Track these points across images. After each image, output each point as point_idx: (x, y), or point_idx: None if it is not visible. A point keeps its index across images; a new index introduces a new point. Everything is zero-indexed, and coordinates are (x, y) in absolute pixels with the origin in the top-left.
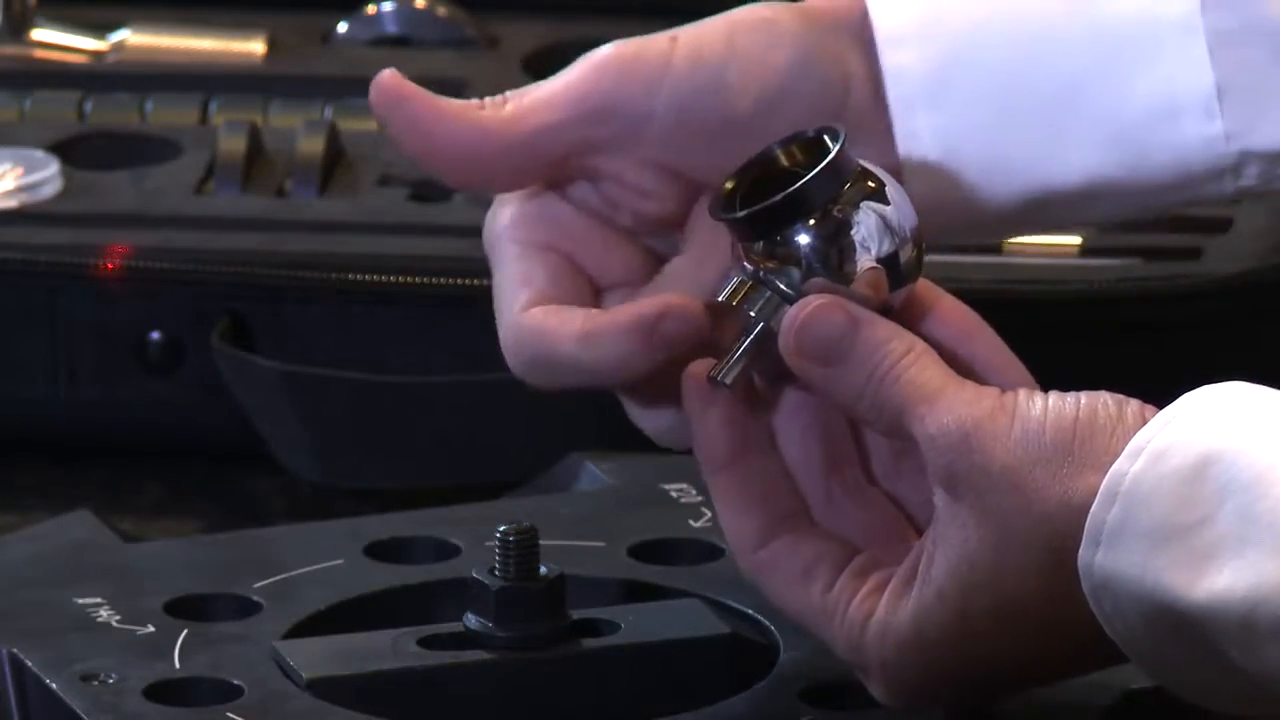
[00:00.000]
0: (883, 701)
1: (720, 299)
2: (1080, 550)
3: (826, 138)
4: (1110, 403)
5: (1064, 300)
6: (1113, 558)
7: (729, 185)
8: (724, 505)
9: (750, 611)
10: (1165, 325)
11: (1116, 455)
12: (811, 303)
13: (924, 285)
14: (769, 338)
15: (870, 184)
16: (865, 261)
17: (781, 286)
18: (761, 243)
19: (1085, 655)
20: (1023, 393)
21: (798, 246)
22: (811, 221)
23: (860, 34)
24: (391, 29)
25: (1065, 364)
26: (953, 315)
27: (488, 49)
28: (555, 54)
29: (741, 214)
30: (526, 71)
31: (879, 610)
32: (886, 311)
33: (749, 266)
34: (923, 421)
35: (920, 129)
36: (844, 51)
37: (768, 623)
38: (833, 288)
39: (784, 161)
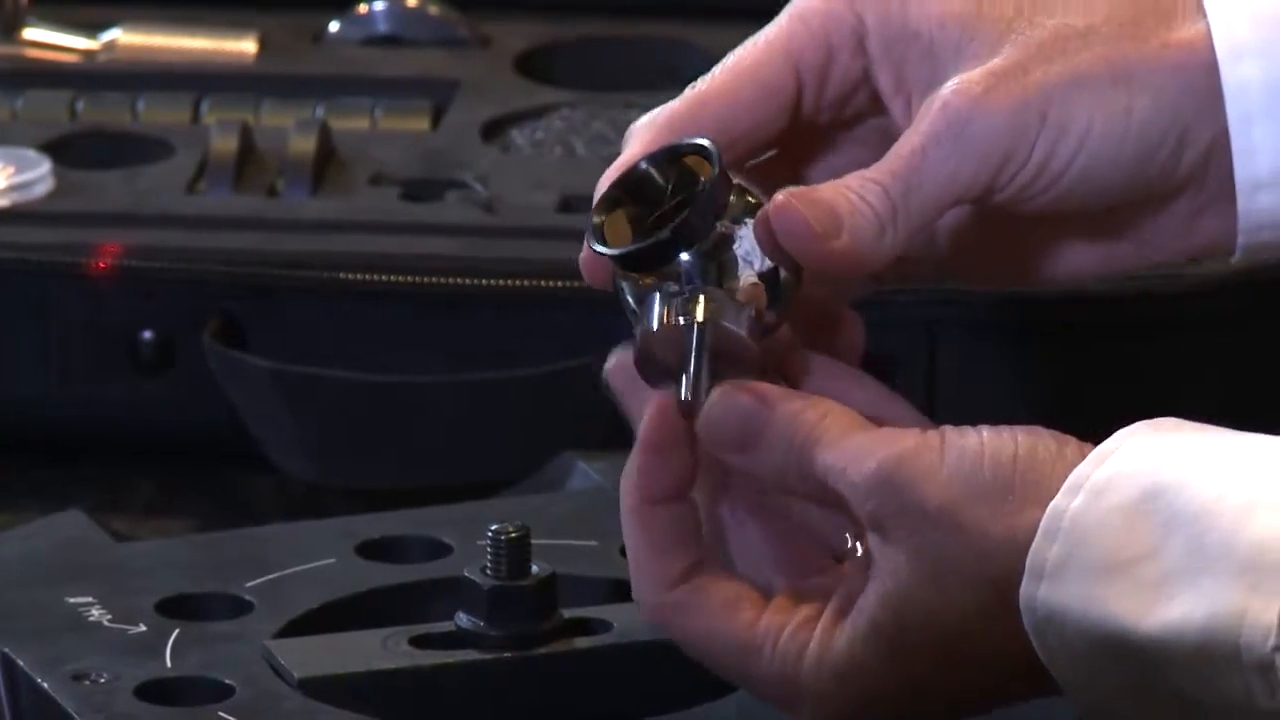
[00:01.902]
0: None
1: (653, 329)
2: (1022, 586)
3: (698, 155)
4: (1049, 439)
5: (1061, 300)
6: (1056, 591)
7: (596, 220)
8: (646, 543)
9: None
10: (1163, 325)
11: (1046, 482)
12: (716, 395)
13: (792, 346)
14: (716, 335)
15: (749, 199)
16: (747, 275)
17: (698, 288)
18: (666, 277)
19: (1025, 684)
20: (950, 429)
21: (680, 264)
22: (706, 253)
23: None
24: (383, 28)
25: (1062, 364)
26: (830, 369)
27: (480, 48)
28: (548, 53)
29: (628, 249)
30: (518, 71)
31: (813, 642)
32: (769, 331)
33: (644, 289)
34: (844, 474)
35: (1259, 143)
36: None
37: None
38: (721, 296)
39: (656, 179)
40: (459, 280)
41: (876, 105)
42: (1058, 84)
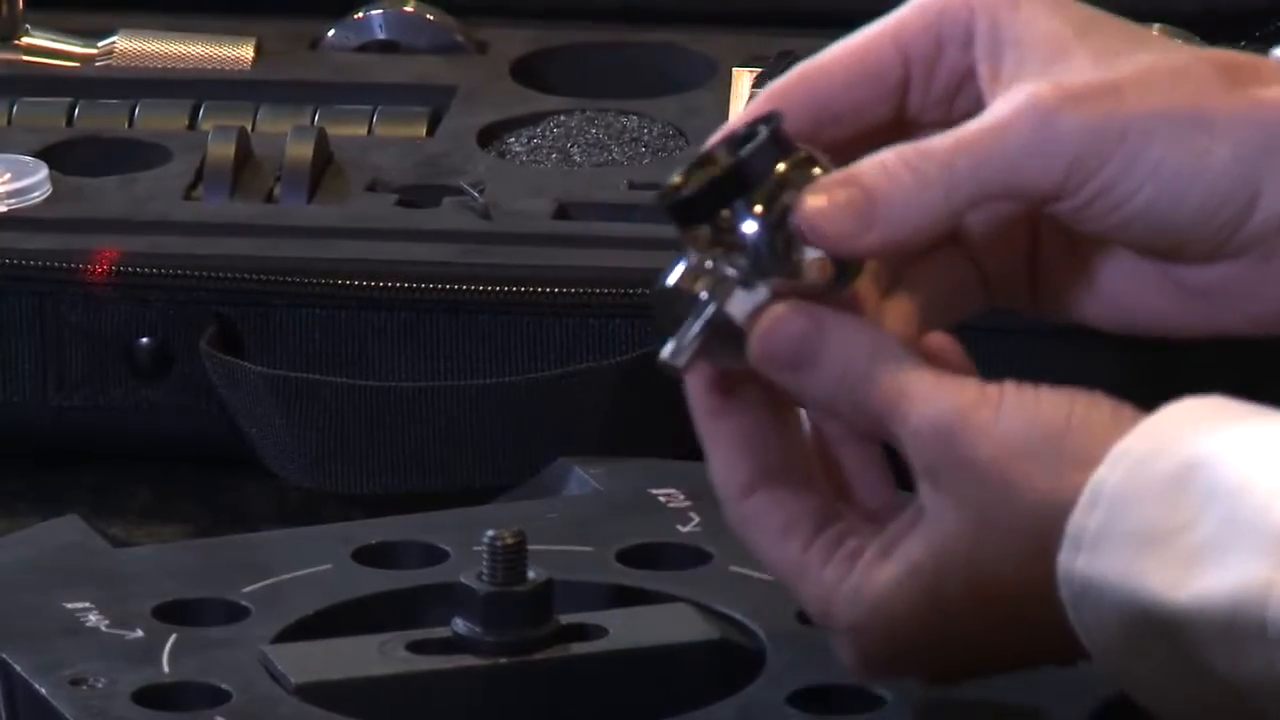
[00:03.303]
0: (849, 666)
1: (669, 283)
2: (1060, 555)
3: (761, 126)
4: (1106, 406)
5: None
6: (1095, 563)
7: (676, 180)
8: (715, 451)
9: (738, 616)
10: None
11: (1096, 450)
12: (775, 310)
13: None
14: (724, 320)
15: (816, 169)
16: (813, 250)
17: (729, 270)
18: (708, 231)
19: (1054, 648)
20: (1010, 384)
21: (742, 234)
22: (757, 208)
23: None
24: (380, 34)
25: (1054, 366)
26: (899, 310)
27: (476, 54)
28: (544, 60)
29: (681, 196)
30: (515, 77)
31: (853, 575)
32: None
33: (695, 253)
34: (905, 419)
35: None
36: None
37: (755, 628)
38: (780, 275)
39: (721, 161)
40: (455, 286)
41: (981, 108)
42: (1145, 113)
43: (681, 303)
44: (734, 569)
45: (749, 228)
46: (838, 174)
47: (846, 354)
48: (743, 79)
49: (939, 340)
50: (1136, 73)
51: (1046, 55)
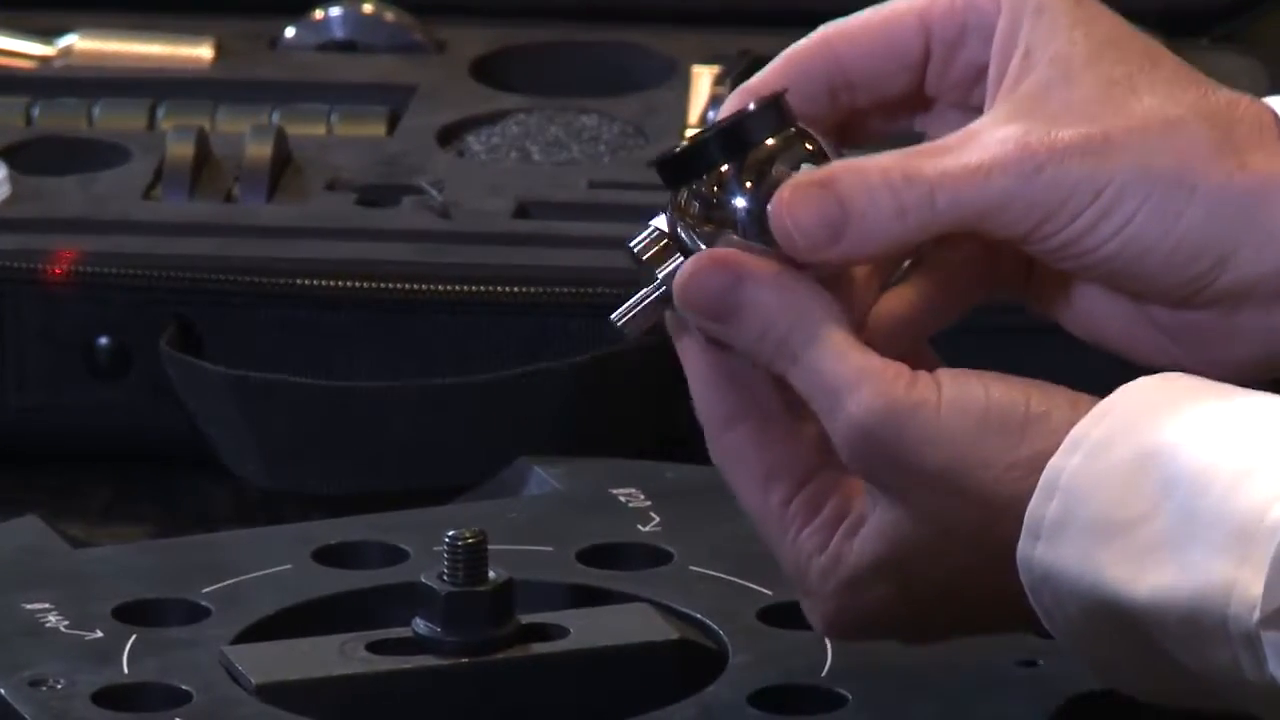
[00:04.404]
0: (817, 630)
1: (632, 246)
2: (1020, 543)
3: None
4: (1061, 394)
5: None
6: (1053, 552)
7: (677, 149)
8: (697, 378)
9: (699, 616)
10: None
11: (1056, 447)
12: (704, 257)
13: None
14: (668, 289)
15: (808, 146)
16: None
17: (691, 244)
18: (698, 205)
19: (1025, 615)
20: (946, 378)
21: (729, 204)
22: (747, 183)
23: None
24: (339, 34)
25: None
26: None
27: (436, 54)
28: (503, 59)
29: (674, 151)
30: (474, 76)
31: (825, 553)
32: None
33: (672, 220)
34: (831, 416)
35: None
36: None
37: (716, 627)
38: (747, 246)
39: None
40: (415, 286)
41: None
42: (1127, 171)
43: (640, 266)
44: (694, 569)
45: (739, 203)
46: (820, 172)
47: (764, 315)
48: (702, 77)
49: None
50: (1129, 125)
51: (1050, 76)
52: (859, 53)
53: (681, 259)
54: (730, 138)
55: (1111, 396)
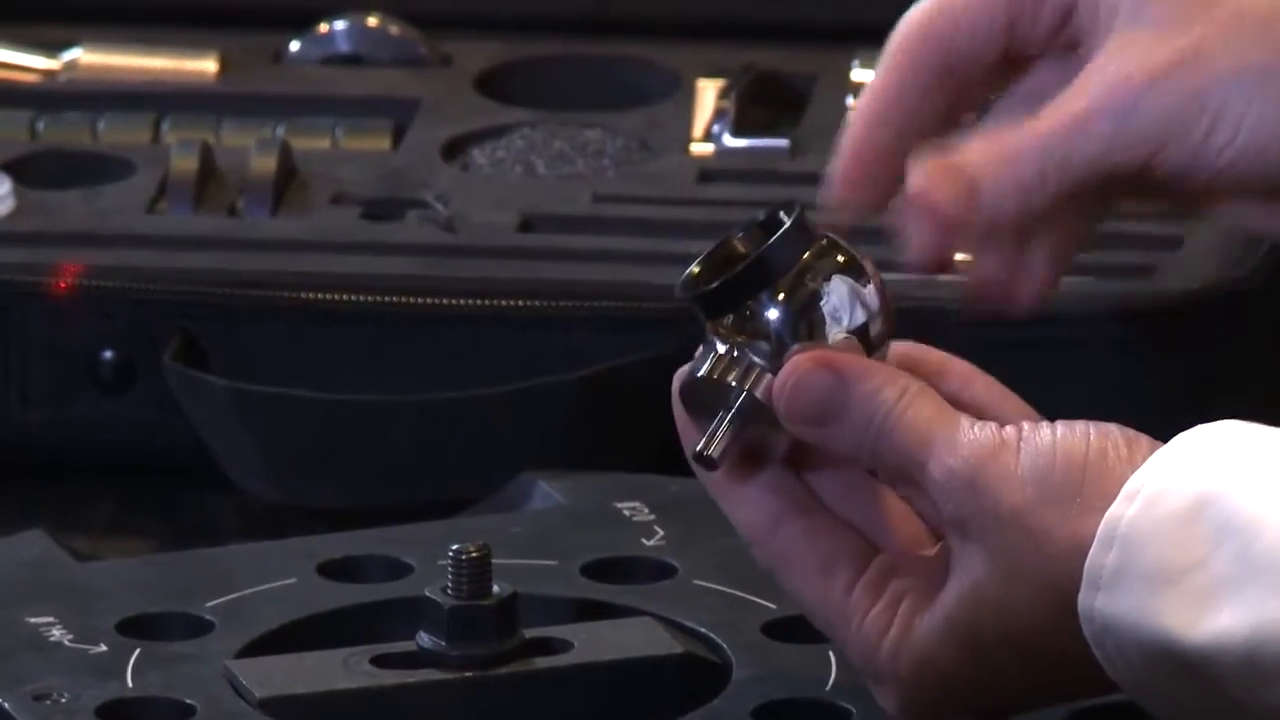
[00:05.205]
0: (890, 712)
1: (700, 374)
2: (1080, 594)
3: (783, 214)
4: (1120, 440)
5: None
6: (1112, 602)
7: (695, 270)
8: (727, 497)
9: (703, 630)
10: (1117, 342)
11: (1114, 490)
12: (800, 365)
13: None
14: (754, 407)
15: (839, 257)
16: (836, 333)
17: (755, 358)
18: (732, 318)
19: (1090, 679)
20: (1026, 425)
21: (767, 321)
22: (781, 296)
23: None
24: (344, 47)
25: (1018, 381)
26: (950, 367)
27: (440, 67)
28: (508, 72)
29: (707, 288)
30: (479, 90)
31: (894, 628)
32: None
33: (723, 343)
34: (926, 469)
35: None
36: None
37: (721, 641)
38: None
39: (741, 249)
40: (419, 300)
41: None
42: (1226, 76)
43: (713, 393)
44: (698, 583)
45: (774, 315)
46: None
47: (869, 406)
48: (706, 91)
49: (961, 369)
50: (1221, 26)
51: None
52: (957, 29)
53: (761, 371)
54: (767, 266)
55: (1167, 446)
